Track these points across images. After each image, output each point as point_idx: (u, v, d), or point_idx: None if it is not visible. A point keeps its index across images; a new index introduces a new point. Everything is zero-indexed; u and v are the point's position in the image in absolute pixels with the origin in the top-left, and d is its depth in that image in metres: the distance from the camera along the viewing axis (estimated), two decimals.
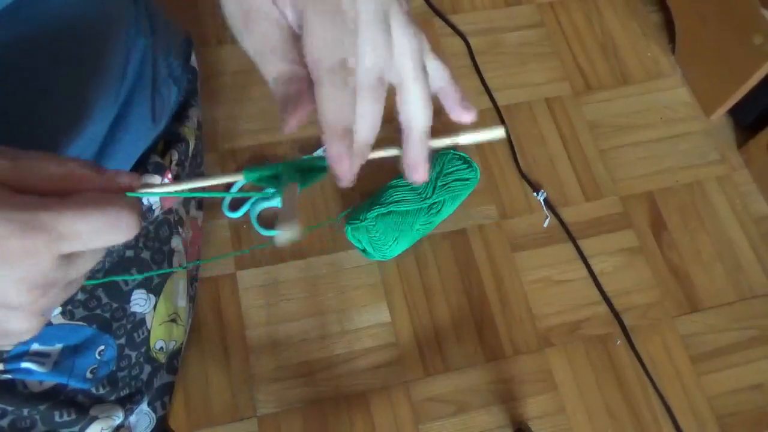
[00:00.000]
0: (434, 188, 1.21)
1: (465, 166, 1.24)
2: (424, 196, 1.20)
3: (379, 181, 1.26)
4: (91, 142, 0.44)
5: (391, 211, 1.18)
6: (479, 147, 1.39)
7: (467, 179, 1.24)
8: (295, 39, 0.31)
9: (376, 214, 1.18)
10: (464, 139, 0.33)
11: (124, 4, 0.45)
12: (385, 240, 1.18)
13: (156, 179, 0.50)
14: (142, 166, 0.50)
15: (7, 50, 0.34)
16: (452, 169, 1.23)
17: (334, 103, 0.29)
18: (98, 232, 0.25)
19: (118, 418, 0.52)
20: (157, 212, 0.53)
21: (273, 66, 0.31)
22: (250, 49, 0.31)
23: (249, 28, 0.31)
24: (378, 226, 1.17)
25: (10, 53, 0.34)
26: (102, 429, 0.51)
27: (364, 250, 1.22)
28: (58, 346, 0.49)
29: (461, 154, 1.26)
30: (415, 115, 0.33)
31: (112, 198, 0.26)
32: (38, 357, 0.47)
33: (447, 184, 1.22)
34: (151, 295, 0.55)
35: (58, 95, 0.39)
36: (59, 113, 0.39)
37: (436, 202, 1.21)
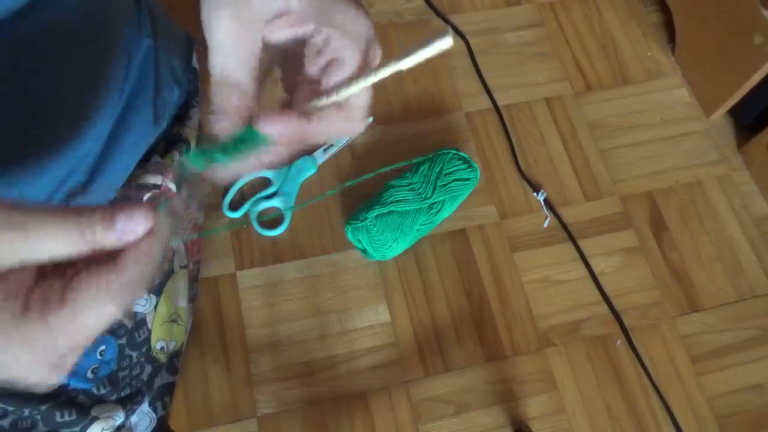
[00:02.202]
0: (434, 188, 1.21)
1: (465, 166, 1.25)
2: (424, 196, 1.20)
3: (379, 181, 1.26)
4: (95, 142, 0.44)
5: (391, 211, 1.18)
6: (479, 147, 1.39)
7: (467, 179, 1.24)
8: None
9: (376, 214, 1.18)
10: (406, 63, 0.30)
11: (126, 6, 0.45)
12: (385, 240, 1.18)
13: (158, 179, 0.50)
14: (143, 167, 0.50)
15: (14, 51, 0.34)
16: (452, 169, 1.23)
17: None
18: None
19: (119, 418, 0.52)
20: None
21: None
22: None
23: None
24: (378, 226, 1.17)
25: (17, 54, 0.34)
26: (103, 429, 0.51)
27: (364, 250, 1.22)
28: None
29: (461, 154, 1.26)
30: None
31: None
32: None
33: (447, 184, 1.22)
34: (152, 296, 0.55)
35: (63, 96, 0.39)
36: (63, 114, 0.40)
37: (436, 202, 1.21)
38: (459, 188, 1.23)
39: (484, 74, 1.47)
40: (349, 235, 1.21)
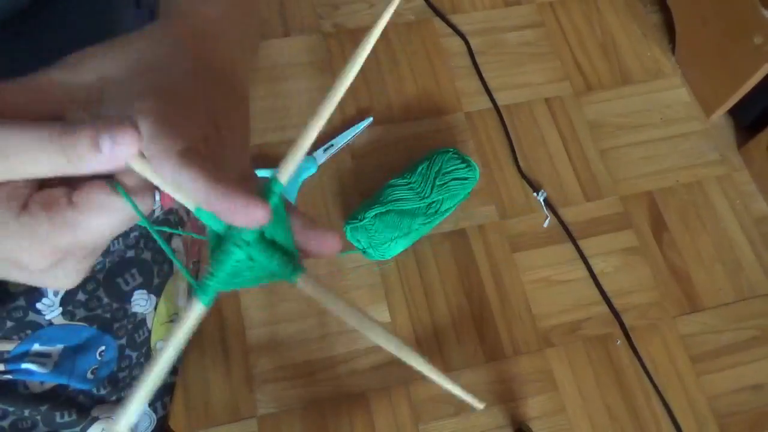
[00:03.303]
0: (432, 187, 1.21)
1: (463, 165, 1.24)
2: (422, 195, 1.20)
3: (378, 181, 1.26)
4: None
5: (389, 211, 1.18)
6: (479, 147, 1.39)
7: (466, 178, 1.24)
8: None
9: (374, 213, 1.17)
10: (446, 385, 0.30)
11: (127, 6, 0.45)
12: (383, 239, 1.17)
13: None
14: None
15: (15, 50, 0.34)
16: (450, 169, 1.23)
17: None
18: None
19: None
20: (157, 212, 0.53)
21: None
22: None
23: None
24: (377, 225, 1.17)
25: (18, 53, 0.34)
26: (103, 429, 0.51)
27: (363, 250, 1.22)
28: (59, 346, 0.49)
29: (460, 153, 1.26)
30: None
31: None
32: (39, 357, 0.47)
33: (445, 183, 1.22)
34: (152, 296, 0.55)
35: None
36: None
37: (434, 201, 1.21)
38: (458, 188, 1.23)
39: (484, 74, 1.47)
40: (348, 235, 1.21)
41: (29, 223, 0.24)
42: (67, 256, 0.26)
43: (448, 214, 1.25)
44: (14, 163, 0.24)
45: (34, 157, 0.24)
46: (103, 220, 0.25)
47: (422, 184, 1.21)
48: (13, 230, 0.24)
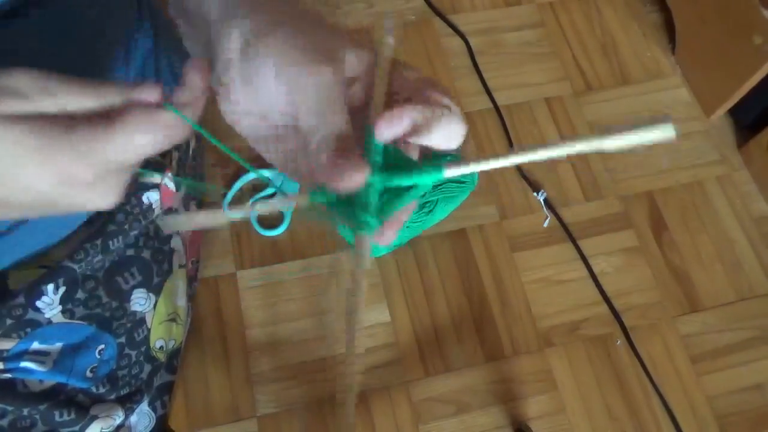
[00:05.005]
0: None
1: None
2: None
3: None
4: None
5: None
6: (479, 147, 1.39)
7: (464, 182, 1.24)
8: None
9: None
10: (611, 143, 0.24)
11: (127, 3, 0.45)
12: None
13: (156, 178, 0.50)
14: (142, 166, 0.50)
15: (12, 44, 0.34)
16: None
17: None
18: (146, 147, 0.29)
19: (118, 418, 0.52)
20: (157, 212, 0.53)
21: (340, 117, 0.33)
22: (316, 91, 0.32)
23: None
24: None
25: (16, 47, 0.34)
26: (102, 428, 0.51)
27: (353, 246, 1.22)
28: (58, 344, 0.48)
29: (459, 155, 1.26)
30: None
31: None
32: (38, 356, 0.47)
33: (441, 184, 1.22)
34: (151, 295, 0.55)
35: None
36: None
37: (428, 201, 1.20)
38: (455, 190, 1.23)
39: (484, 74, 1.47)
40: (341, 230, 1.21)
41: (74, 137, 0.28)
42: (108, 172, 0.29)
43: (444, 216, 1.25)
44: (62, 104, 0.28)
45: (77, 100, 0.28)
46: (136, 137, 0.28)
47: None
48: (62, 145, 0.28)
